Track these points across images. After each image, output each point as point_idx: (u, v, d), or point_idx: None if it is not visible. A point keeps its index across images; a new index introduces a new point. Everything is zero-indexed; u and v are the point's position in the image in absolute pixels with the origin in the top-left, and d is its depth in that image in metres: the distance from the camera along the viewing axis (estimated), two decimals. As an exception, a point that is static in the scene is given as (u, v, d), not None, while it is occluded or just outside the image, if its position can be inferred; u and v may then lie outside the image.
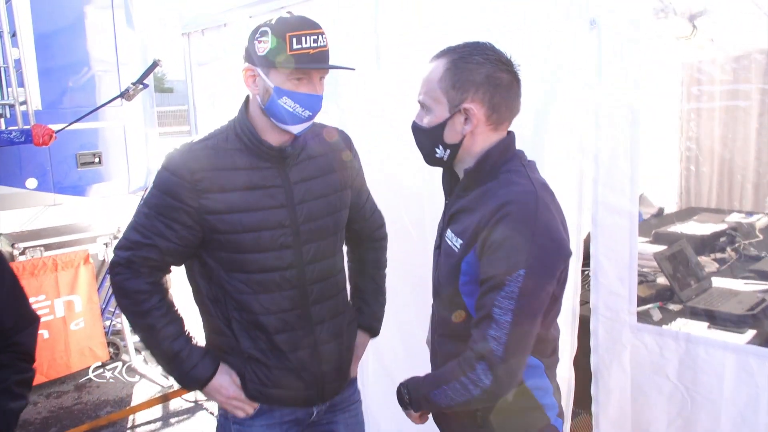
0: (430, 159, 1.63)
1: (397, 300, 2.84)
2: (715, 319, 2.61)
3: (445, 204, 1.69)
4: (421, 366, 2.90)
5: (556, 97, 2.14)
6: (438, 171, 2.66)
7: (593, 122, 2.09)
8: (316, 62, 1.67)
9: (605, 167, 2.08)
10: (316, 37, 1.67)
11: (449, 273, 1.54)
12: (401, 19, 2.48)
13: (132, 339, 5.02)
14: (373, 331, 2.18)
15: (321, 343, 1.90)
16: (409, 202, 2.77)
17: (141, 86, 3.91)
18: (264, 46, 1.67)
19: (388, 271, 2.26)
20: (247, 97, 1.83)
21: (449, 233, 1.57)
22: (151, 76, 3.97)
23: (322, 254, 1.89)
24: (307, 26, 1.68)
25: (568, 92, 2.11)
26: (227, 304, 1.83)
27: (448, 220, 1.61)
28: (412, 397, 1.62)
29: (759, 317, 2.57)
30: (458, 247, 1.51)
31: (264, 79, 1.70)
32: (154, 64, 3.97)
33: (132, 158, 5.16)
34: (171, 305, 1.86)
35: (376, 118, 2.72)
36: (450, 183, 1.69)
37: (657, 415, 2.12)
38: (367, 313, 2.14)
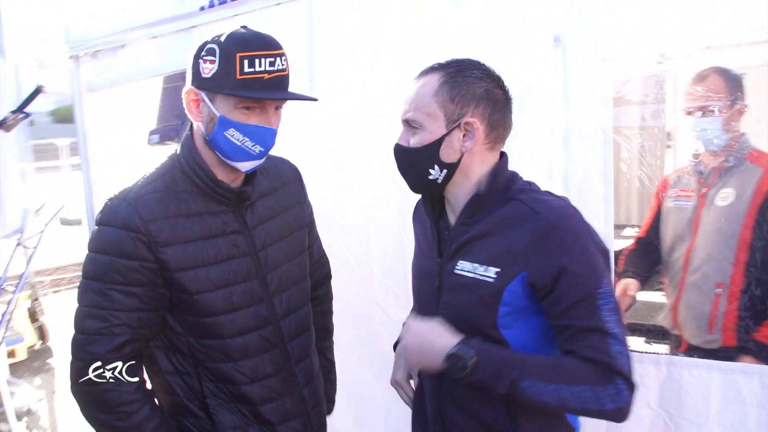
0: (420, 183, 1.47)
1: (340, 348, 2.62)
2: (650, 333, 2.64)
3: (437, 235, 1.52)
4: (371, 415, 2.71)
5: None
6: (382, 203, 2.53)
7: (561, 142, 2.02)
8: (270, 90, 1.42)
9: (576, 189, 2.01)
10: (273, 59, 1.42)
11: (479, 307, 1.39)
12: (401, 18, 2.34)
13: (12, 404, 4.37)
14: (328, 412, 1.95)
15: (310, 408, 1.67)
16: (351, 237, 2.57)
17: (21, 115, 3.44)
18: (210, 67, 1.41)
19: None
20: (191, 127, 1.55)
21: (465, 265, 1.41)
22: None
23: (295, 305, 1.65)
24: (263, 45, 1.42)
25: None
26: (200, 377, 1.53)
27: (454, 252, 1.44)
28: (482, 369, 1.30)
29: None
30: (493, 276, 1.36)
31: (208, 105, 1.44)
32: (37, 91, 3.52)
33: (5, 197, 4.55)
34: (161, 409, 1.55)
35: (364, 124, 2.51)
36: (434, 211, 1.53)
37: (638, 447, 2.04)
38: None
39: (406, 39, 2.30)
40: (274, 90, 1.43)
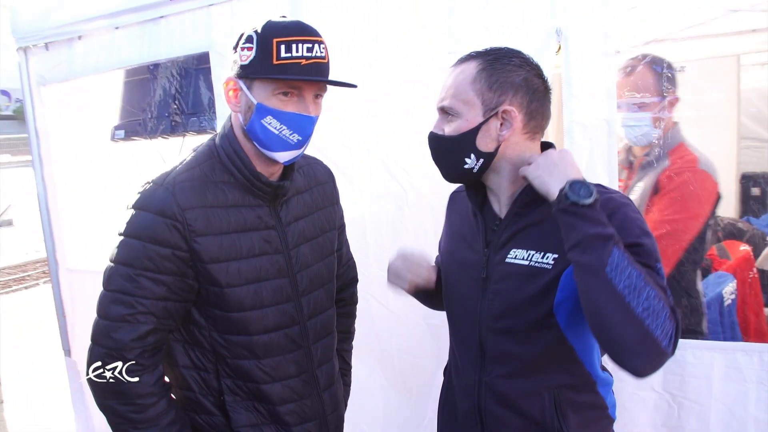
0: (455, 172, 1.45)
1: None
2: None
3: (483, 225, 1.49)
4: (368, 407, 2.68)
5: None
6: (380, 200, 2.48)
7: (567, 134, 2.04)
8: (307, 75, 1.39)
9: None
10: (310, 45, 1.39)
11: (535, 294, 1.36)
12: (399, 18, 2.30)
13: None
14: None
15: (328, 412, 1.64)
16: (348, 233, 2.53)
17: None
18: (247, 54, 1.40)
19: None
20: (230, 118, 1.52)
21: (519, 252, 1.40)
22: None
23: (321, 307, 1.63)
24: (300, 31, 1.40)
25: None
26: (218, 373, 1.50)
27: (506, 240, 1.43)
28: (596, 210, 1.22)
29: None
30: (551, 263, 1.34)
31: (246, 93, 1.42)
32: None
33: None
34: (177, 405, 1.50)
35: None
36: (478, 198, 1.51)
37: (642, 429, 2.11)
38: None
39: (404, 38, 2.29)
40: (311, 76, 1.40)
